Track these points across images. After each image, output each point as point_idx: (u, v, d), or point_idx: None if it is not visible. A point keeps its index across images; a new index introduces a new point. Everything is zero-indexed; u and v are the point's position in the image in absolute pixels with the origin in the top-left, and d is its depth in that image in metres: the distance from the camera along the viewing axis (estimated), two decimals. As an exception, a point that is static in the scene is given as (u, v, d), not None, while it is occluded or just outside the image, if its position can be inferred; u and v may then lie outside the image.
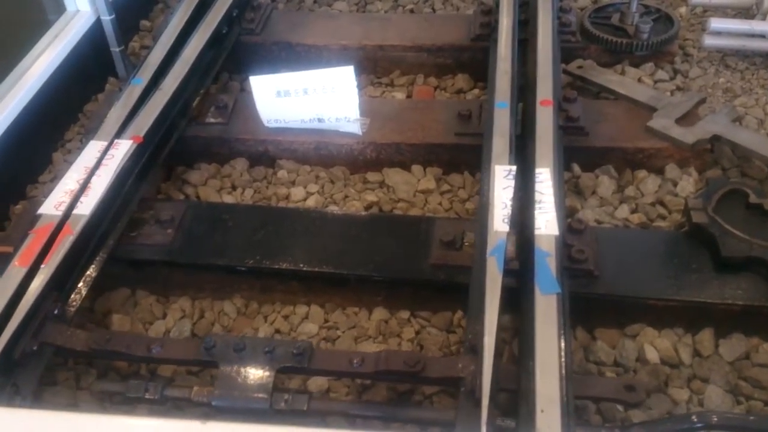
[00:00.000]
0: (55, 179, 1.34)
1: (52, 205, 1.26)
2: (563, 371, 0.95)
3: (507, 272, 1.18)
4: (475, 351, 1.01)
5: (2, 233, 1.43)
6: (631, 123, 1.53)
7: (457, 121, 1.51)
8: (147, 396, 1.04)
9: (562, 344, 0.99)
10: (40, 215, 1.24)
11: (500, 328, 1.21)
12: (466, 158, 1.49)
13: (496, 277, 1.10)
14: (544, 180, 1.26)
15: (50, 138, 1.67)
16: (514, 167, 1.29)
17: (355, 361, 1.04)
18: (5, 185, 1.52)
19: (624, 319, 1.22)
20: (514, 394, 1.00)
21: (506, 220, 1.19)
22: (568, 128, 1.47)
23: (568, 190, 1.44)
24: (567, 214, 1.31)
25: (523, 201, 1.26)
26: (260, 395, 1.02)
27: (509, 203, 1.22)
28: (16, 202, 1.53)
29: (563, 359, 0.97)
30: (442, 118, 1.54)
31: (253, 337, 1.20)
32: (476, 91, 1.75)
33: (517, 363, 1.05)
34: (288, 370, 1.06)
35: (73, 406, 1.14)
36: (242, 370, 1.04)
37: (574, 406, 0.95)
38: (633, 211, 1.41)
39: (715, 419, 0.98)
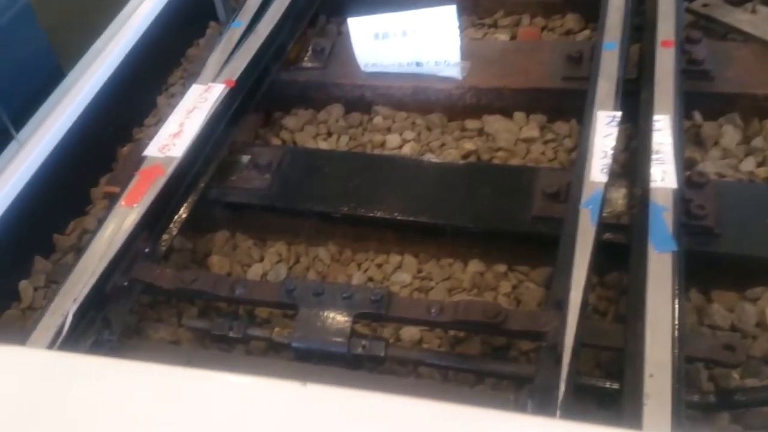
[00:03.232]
0: (159, 122, 1.37)
1: (156, 148, 1.28)
2: (676, 334, 0.88)
3: (617, 227, 1.12)
4: (560, 306, 0.95)
5: (111, 174, 1.49)
6: (761, 67, 1.37)
7: (566, 65, 1.41)
8: (231, 334, 1.06)
9: (676, 306, 0.91)
10: (144, 157, 1.27)
11: (604, 285, 1.15)
12: (573, 105, 1.38)
13: (588, 230, 1.03)
14: (663, 128, 1.16)
15: (154, 82, 1.71)
16: (618, 113, 1.20)
17: (432, 310, 1.01)
18: (113, 129, 1.57)
19: (745, 282, 1.12)
20: (619, 355, 0.94)
21: (605, 170, 1.11)
22: (690, 72, 1.34)
23: (688, 140, 1.32)
24: (686, 166, 1.20)
25: (637, 151, 1.17)
26: (338, 339, 1.01)
27: (610, 152, 1.14)
28: (123, 144, 1.58)
29: (676, 322, 0.90)
30: (548, 61, 1.45)
31: (332, 282, 1.19)
32: (587, 32, 1.62)
33: (624, 324, 0.99)
34: (365, 316, 1.04)
35: (174, 342, 1.18)
36: (321, 314, 1.03)
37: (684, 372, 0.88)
38: (759, 165, 1.28)
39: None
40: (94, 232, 1.15)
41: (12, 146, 1.34)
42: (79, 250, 1.16)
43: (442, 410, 0.36)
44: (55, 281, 1.28)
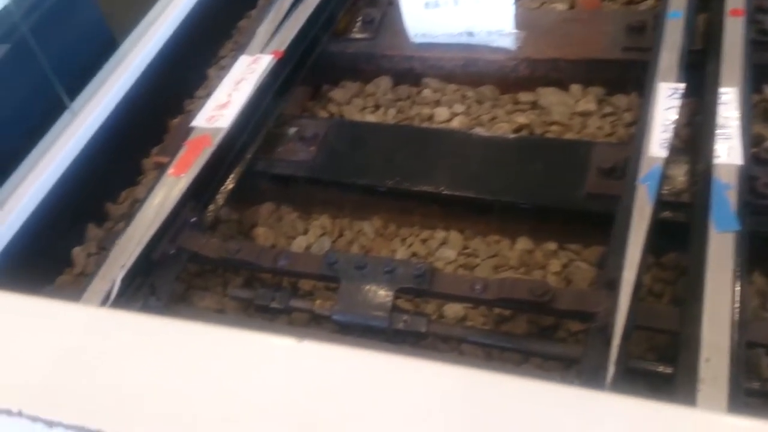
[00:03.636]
0: (210, 94, 1.37)
1: (204, 119, 1.29)
2: (735, 318, 0.83)
3: (676, 205, 1.06)
4: (612, 286, 0.91)
5: (161, 145, 1.50)
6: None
7: (627, 35, 1.34)
8: (273, 305, 1.06)
9: (737, 288, 0.86)
10: (193, 128, 1.28)
11: (660, 266, 1.10)
12: (634, 77, 1.32)
13: (645, 207, 0.98)
14: (729, 102, 1.09)
15: (205, 54, 1.71)
16: (682, 85, 1.13)
17: (477, 287, 0.98)
18: (165, 100, 1.58)
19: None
20: (674, 339, 0.89)
21: (665, 145, 1.05)
22: (760, 43, 1.26)
23: (757, 115, 1.24)
24: (753, 143, 1.13)
25: (701, 125, 1.10)
26: (379, 313, 0.99)
27: (672, 126, 1.07)
28: (174, 116, 1.59)
29: (736, 305, 0.84)
30: (608, 31, 1.38)
31: (374, 256, 1.17)
32: (650, 1, 1.54)
33: (680, 306, 0.93)
34: (407, 291, 1.02)
35: (219, 311, 1.19)
36: (362, 287, 1.01)
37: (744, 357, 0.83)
38: (835, 142, 1.19)
39: None
40: (142, 201, 1.17)
41: (66, 116, 1.36)
42: (128, 218, 1.18)
43: (457, 375, 0.33)
44: (105, 248, 1.31)
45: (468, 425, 0.31)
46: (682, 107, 1.13)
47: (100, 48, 1.51)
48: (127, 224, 1.13)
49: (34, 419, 0.30)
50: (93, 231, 1.38)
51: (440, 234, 1.24)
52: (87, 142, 1.34)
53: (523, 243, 1.19)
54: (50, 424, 0.30)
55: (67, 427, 0.30)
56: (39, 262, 1.26)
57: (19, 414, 0.30)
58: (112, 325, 0.37)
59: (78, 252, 1.34)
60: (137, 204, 1.19)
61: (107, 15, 1.70)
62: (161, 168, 1.25)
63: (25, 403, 0.31)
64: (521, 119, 1.35)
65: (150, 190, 1.18)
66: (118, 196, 1.45)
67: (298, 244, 1.29)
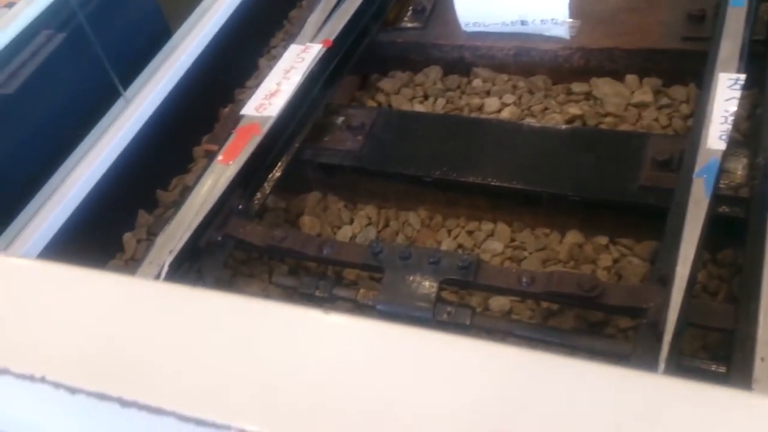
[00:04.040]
0: (259, 83, 1.38)
1: (253, 107, 1.30)
2: (797, 318, 0.79)
3: (734, 200, 1.01)
4: (665, 282, 0.87)
5: (211, 133, 1.52)
6: None
7: (686, 24, 1.29)
8: (317, 293, 1.06)
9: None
10: (242, 116, 1.29)
11: (716, 263, 1.06)
12: (693, 67, 1.27)
13: (700, 201, 0.94)
14: (793, 92, 1.04)
15: (257, 44, 1.73)
16: (743, 76, 1.08)
17: (524, 280, 0.96)
18: (216, 89, 1.60)
19: None
20: (728, 336, 0.85)
21: (724, 137, 1.00)
22: (829, 32, 1.20)
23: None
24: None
25: (762, 118, 1.05)
26: (423, 304, 0.98)
27: (731, 118, 1.03)
28: (225, 105, 1.61)
29: (798, 305, 0.80)
30: (667, 20, 1.33)
31: (419, 247, 1.16)
32: (712, -10, 1.48)
33: (736, 304, 0.90)
34: (452, 282, 1.00)
35: (264, 298, 1.20)
36: (407, 277, 1.00)
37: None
38: None
39: None
40: (191, 188, 1.18)
41: (119, 103, 1.39)
42: (178, 205, 1.19)
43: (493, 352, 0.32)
44: (154, 234, 1.33)
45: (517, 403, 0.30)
46: (743, 99, 1.09)
47: (155, 36, 1.54)
48: (176, 211, 1.15)
49: (57, 386, 0.30)
50: (144, 217, 1.41)
51: (487, 226, 1.22)
52: (140, 129, 1.37)
53: (573, 236, 1.16)
54: (72, 390, 0.30)
55: (88, 394, 0.30)
56: (91, 247, 1.29)
57: (42, 380, 0.31)
58: (154, 297, 0.37)
59: (128, 237, 1.37)
60: (186, 191, 1.21)
61: (162, 3, 1.72)
62: (211, 155, 1.27)
63: (50, 371, 0.31)
64: (574, 110, 1.31)
65: (199, 177, 1.19)
66: (168, 183, 1.47)
67: (344, 233, 1.29)
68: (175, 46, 1.49)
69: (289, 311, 0.33)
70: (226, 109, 1.59)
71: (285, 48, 1.42)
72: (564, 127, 1.29)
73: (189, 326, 0.33)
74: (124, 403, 0.30)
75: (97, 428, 0.32)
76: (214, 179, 1.18)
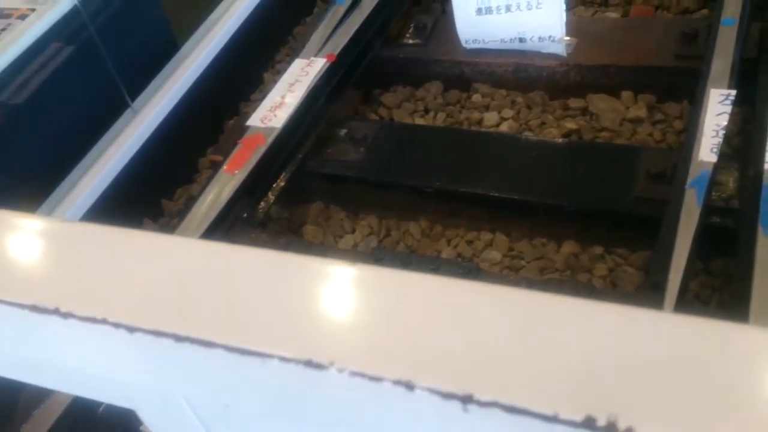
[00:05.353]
0: (264, 96, 1.42)
1: (258, 119, 1.33)
2: (785, 324, 0.82)
3: (726, 211, 1.05)
4: (658, 288, 0.90)
5: (216, 145, 1.56)
6: None
7: (679, 42, 1.34)
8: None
9: (787, 293, 0.85)
10: (248, 127, 1.32)
11: (708, 273, 1.09)
12: (686, 84, 1.31)
13: (692, 211, 0.98)
14: (782, 108, 1.07)
15: (262, 59, 1.76)
16: (733, 92, 1.12)
17: (521, 287, 0.98)
18: (222, 102, 1.64)
19: None
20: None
21: (715, 150, 1.04)
22: (818, 51, 1.24)
23: (812, 123, 1.22)
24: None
25: (752, 132, 1.09)
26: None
27: (722, 131, 1.07)
28: (230, 118, 1.65)
29: (786, 311, 0.83)
30: (660, 39, 1.37)
31: (420, 254, 1.19)
32: (705, 11, 1.53)
33: (726, 312, 0.93)
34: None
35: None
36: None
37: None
38: None
39: None
40: (197, 195, 1.21)
41: (127, 114, 1.42)
42: (183, 214, 1.22)
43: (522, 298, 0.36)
44: (160, 242, 1.36)
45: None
46: (734, 115, 1.12)
47: (163, 49, 1.57)
48: (182, 219, 1.17)
49: (117, 326, 0.33)
50: (149, 225, 1.43)
51: (486, 236, 1.25)
52: (146, 139, 1.40)
53: (569, 246, 1.19)
54: (131, 329, 0.33)
55: (146, 331, 0.33)
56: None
57: (104, 321, 0.34)
58: (197, 254, 0.41)
59: (135, 244, 1.40)
60: (191, 201, 1.24)
61: (171, 17, 1.75)
62: (216, 165, 1.30)
63: (110, 313, 0.34)
64: (570, 125, 1.35)
65: (204, 186, 1.22)
66: (173, 193, 1.50)
67: (346, 242, 1.31)
68: (183, 59, 1.52)
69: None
70: (231, 122, 1.63)
71: (289, 62, 1.46)
72: (561, 140, 1.32)
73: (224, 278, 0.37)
74: (178, 338, 0.33)
75: (155, 361, 0.36)
76: (219, 188, 1.21)
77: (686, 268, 0.92)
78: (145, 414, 0.52)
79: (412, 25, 1.57)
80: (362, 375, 0.30)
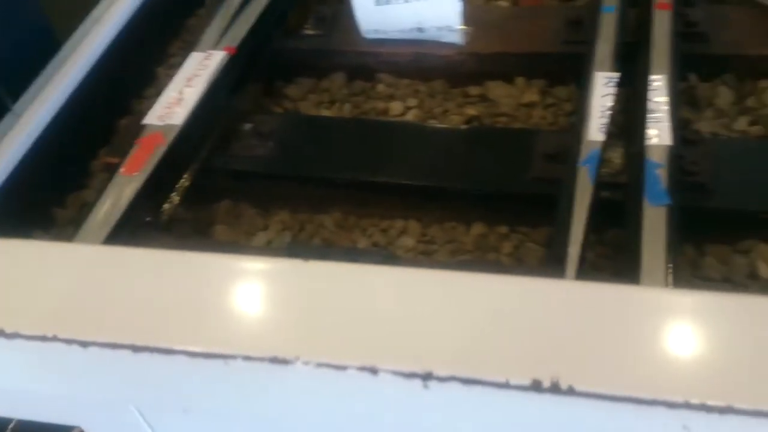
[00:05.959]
0: (159, 92, 1.38)
1: (155, 116, 1.30)
2: (670, 285, 0.91)
3: (615, 185, 1.14)
4: (559, 260, 0.98)
5: (109, 146, 1.48)
6: (756, 29, 1.39)
7: (566, 29, 1.43)
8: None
9: (670, 258, 0.94)
10: (144, 125, 1.28)
11: (602, 243, 1.18)
12: (573, 69, 1.40)
13: (586, 188, 1.06)
14: (659, 88, 1.18)
15: (153, 53, 1.69)
16: (617, 74, 1.22)
17: None
18: (112, 100, 1.55)
19: (736, 235, 1.14)
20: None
21: (603, 129, 1.13)
22: (686, 34, 1.36)
23: (684, 101, 1.34)
24: (681, 126, 1.23)
25: (634, 111, 1.19)
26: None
27: (608, 112, 1.16)
28: (122, 116, 1.58)
29: (670, 273, 0.93)
30: (550, 26, 1.46)
31: (336, 246, 1.22)
32: (588, -2, 1.63)
33: (620, 277, 1.02)
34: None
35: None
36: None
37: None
38: (752, 123, 1.30)
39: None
40: (94, 201, 1.16)
41: (8, 118, 1.33)
42: (78, 221, 1.16)
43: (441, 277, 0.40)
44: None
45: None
46: (617, 95, 1.22)
47: (43, 47, 1.49)
48: (78, 228, 1.12)
49: (69, 342, 0.34)
50: (41, 237, 1.35)
51: (399, 223, 1.29)
52: (31, 144, 1.31)
53: (477, 228, 1.26)
54: (84, 344, 0.34)
55: (101, 345, 0.34)
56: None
57: (54, 338, 0.34)
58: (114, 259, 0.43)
59: (32, 256, 1.33)
60: (85, 207, 1.18)
61: (49, 13, 1.67)
62: (111, 168, 1.24)
63: (58, 329, 0.35)
64: (471, 111, 1.42)
65: (100, 191, 1.17)
66: (65, 201, 1.41)
67: (259, 239, 1.31)
68: (66, 57, 1.44)
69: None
70: (125, 121, 1.56)
71: (184, 56, 1.43)
72: (464, 127, 1.39)
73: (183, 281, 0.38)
74: (136, 348, 0.34)
75: (107, 374, 0.37)
76: (117, 192, 1.16)
77: (583, 241, 1.00)
78: (92, 429, 0.53)
79: (312, 16, 1.58)
80: (328, 365, 0.32)
